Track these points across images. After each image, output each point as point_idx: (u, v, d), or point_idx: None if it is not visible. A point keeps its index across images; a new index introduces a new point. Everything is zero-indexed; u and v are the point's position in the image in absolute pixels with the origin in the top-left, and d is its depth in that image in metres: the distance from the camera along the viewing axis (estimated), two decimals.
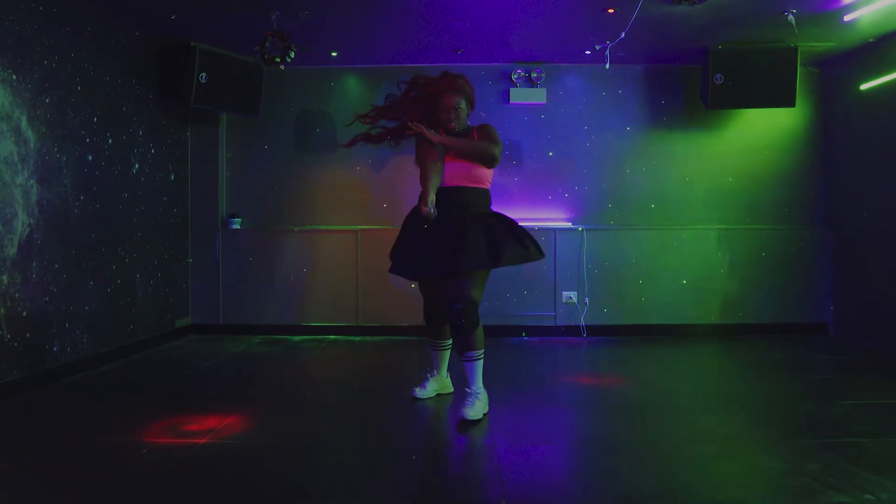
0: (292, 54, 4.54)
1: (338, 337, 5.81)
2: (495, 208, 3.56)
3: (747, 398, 3.78)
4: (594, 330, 5.80)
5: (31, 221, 3.83)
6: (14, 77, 3.69)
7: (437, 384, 3.67)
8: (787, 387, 4.00)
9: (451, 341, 3.62)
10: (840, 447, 2.81)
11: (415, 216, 3.48)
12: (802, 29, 4.86)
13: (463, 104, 3.47)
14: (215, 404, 3.58)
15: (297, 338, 5.76)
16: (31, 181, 3.84)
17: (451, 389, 3.74)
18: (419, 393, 3.60)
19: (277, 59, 4.54)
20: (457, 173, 3.39)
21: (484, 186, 3.46)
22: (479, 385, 3.31)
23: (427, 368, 3.77)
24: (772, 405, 3.61)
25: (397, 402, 3.60)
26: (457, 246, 3.21)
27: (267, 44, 4.55)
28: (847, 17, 4.53)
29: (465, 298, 3.22)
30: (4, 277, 3.61)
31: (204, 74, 5.24)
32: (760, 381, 4.18)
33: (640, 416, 3.39)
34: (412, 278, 3.58)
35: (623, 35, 4.89)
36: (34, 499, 2.35)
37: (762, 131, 5.95)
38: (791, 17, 4.58)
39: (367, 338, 5.76)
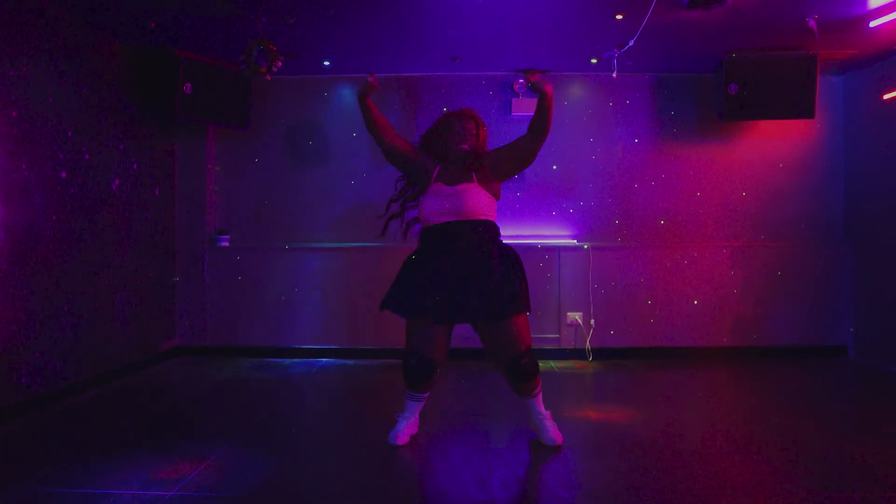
0: (279, 63, 4.26)
1: (330, 360, 5.52)
2: (498, 223, 3.39)
3: (767, 436, 3.46)
4: (600, 353, 5.51)
5: None
6: None
7: (409, 427, 3.37)
8: (809, 421, 3.69)
9: (427, 394, 3.36)
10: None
11: (430, 253, 3.22)
12: (824, 35, 4.57)
13: (476, 130, 3.34)
14: (192, 444, 3.29)
15: (287, 361, 5.47)
16: None
17: (417, 429, 3.45)
18: (400, 440, 3.28)
19: (263, 69, 4.26)
20: (474, 208, 3.19)
21: (478, 218, 3.23)
22: (543, 406, 3.34)
23: (402, 413, 3.39)
24: (795, 445, 3.30)
25: (386, 442, 3.30)
26: (503, 285, 3.10)
27: (252, 52, 4.28)
28: (873, 23, 4.24)
29: (530, 346, 3.20)
30: None
31: (189, 85, 4.98)
32: (780, 415, 3.87)
33: (651, 459, 3.09)
34: (443, 321, 3.18)
35: (632, 43, 4.61)
36: None
37: (778, 143, 5.66)
38: (812, 23, 4.29)
39: (361, 361, 5.47)
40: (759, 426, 3.65)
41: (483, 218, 3.21)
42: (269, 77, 4.34)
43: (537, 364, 3.24)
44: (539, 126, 3.24)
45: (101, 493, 2.65)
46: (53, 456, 3.13)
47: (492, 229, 3.24)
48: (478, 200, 3.19)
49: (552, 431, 3.26)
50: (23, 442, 3.37)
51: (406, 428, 3.33)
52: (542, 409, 3.34)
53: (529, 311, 3.24)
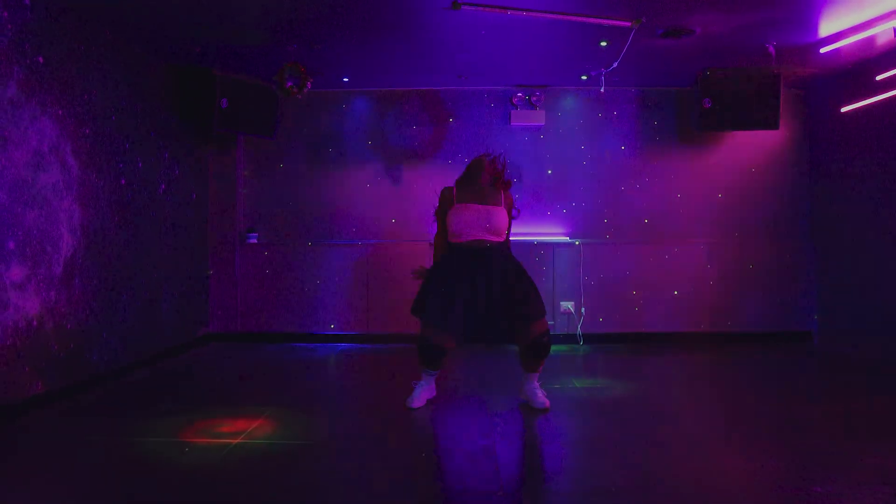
0: (309, 84, 4.90)
1: (349, 344, 6.17)
2: None
3: (734, 403, 4.12)
4: (590, 338, 6.16)
5: (74, 242, 4.22)
6: (60, 112, 4.08)
7: (426, 392, 4.02)
8: (774, 390, 4.36)
9: (437, 373, 4.02)
10: (805, 450, 3.18)
11: (460, 269, 3.88)
12: (783, 58, 5.21)
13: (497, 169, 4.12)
14: (242, 408, 3.95)
15: (311, 345, 6.13)
16: (74, 205, 4.22)
17: (435, 392, 4.10)
18: (416, 404, 3.94)
19: (295, 90, 4.90)
20: (476, 226, 3.91)
21: (502, 239, 3.97)
22: (538, 380, 4.00)
23: (418, 382, 4.03)
24: (751, 409, 3.96)
25: (404, 405, 3.96)
26: (526, 296, 3.84)
27: (285, 74, 4.92)
28: (823, 50, 4.87)
29: (548, 332, 3.89)
30: (52, 294, 4.00)
31: (225, 100, 5.61)
32: (748, 386, 4.53)
33: (628, 418, 3.75)
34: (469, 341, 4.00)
35: (616, 64, 5.26)
36: (87, 492, 2.72)
37: (750, 151, 6.31)
38: (771, 49, 4.93)
39: (377, 345, 6.12)
40: (727, 395, 4.32)
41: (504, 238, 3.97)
42: (300, 96, 4.98)
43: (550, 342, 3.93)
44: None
45: (178, 441, 3.31)
46: (132, 417, 3.79)
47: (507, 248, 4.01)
48: (503, 221, 3.93)
49: (541, 396, 3.91)
50: (102, 408, 4.04)
51: (422, 393, 3.99)
52: (537, 382, 3.99)
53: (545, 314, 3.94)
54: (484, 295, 3.77)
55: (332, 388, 4.71)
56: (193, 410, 3.90)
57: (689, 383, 4.81)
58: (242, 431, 3.46)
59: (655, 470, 2.95)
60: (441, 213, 4.05)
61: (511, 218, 4.09)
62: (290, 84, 4.91)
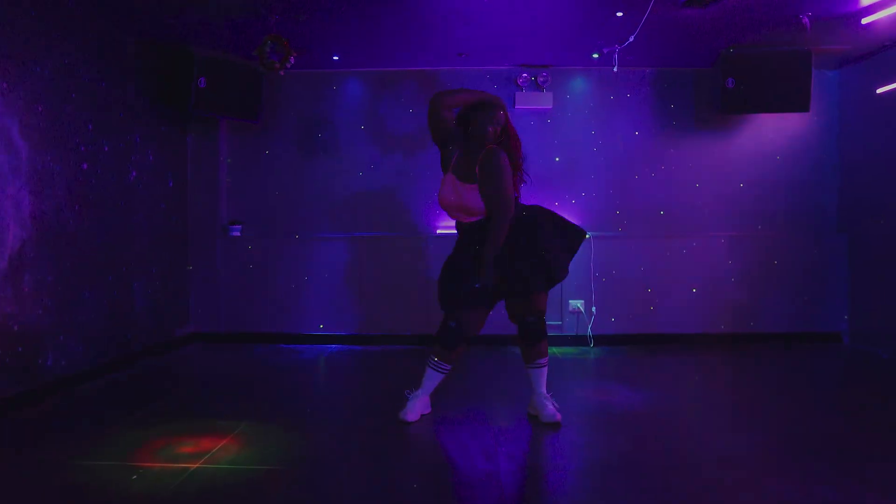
0: (292, 59, 4.42)
1: (339, 346, 5.70)
2: None
3: (760, 415, 3.64)
4: (601, 339, 5.68)
5: (24, 234, 3.74)
6: (5, 86, 3.59)
7: (421, 405, 3.54)
8: (799, 401, 3.87)
9: (451, 367, 3.52)
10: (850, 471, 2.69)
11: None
12: (818, 32, 4.72)
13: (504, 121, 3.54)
14: (211, 421, 3.48)
15: (298, 346, 5.66)
16: (23, 192, 3.74)
17: (430, 409, 3.62)
18: (411, 417, 3.46)
19: (276, 65, 4.43)
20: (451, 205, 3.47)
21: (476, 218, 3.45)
22: (545, 388, 3.53)
23: (415, 389, 3.54)
24: (783, 421, 3.48)
25: (397, 419, 3.48)
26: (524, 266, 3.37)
27: (265, 48, 4.44)
28: (865, 21, 4.39)
29: (538, 313, 3.46)
30: None
31: (203, 79, 5.14)
32: (774, 395, 4.04)
33: (648, 435, 3.27)
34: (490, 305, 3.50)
35: (632, 38, 4.76)
36: None
37: (774, 136, 5.82)
38: (806, 20, 4.44)
39: (369, 347, 5.65)
40: (752, 406, 3.84)
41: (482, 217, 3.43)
42: (282, 72, 4.50)
43: (544, 329, 3.47)
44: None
45: (130, 465, 2.83)
46: (83, 432, 3.32)
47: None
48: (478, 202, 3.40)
49: (551, 409, 3.44)
50: (52, 420, 3.56)
51: (417, 406, 3.50)
52: (545, 389, 3.52)
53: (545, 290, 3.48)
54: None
55: (316, 397, 4.22)
56: (154, 425, 3.42)
57: (712, 391, 4.32)
58: (206, 452, 2.99)
59: (683, 499, 2.47)
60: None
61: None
62: (272, 58, 4.42)
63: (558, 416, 3.42)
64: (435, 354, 3.48)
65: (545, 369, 3.52)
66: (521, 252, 3.40)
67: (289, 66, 4.46)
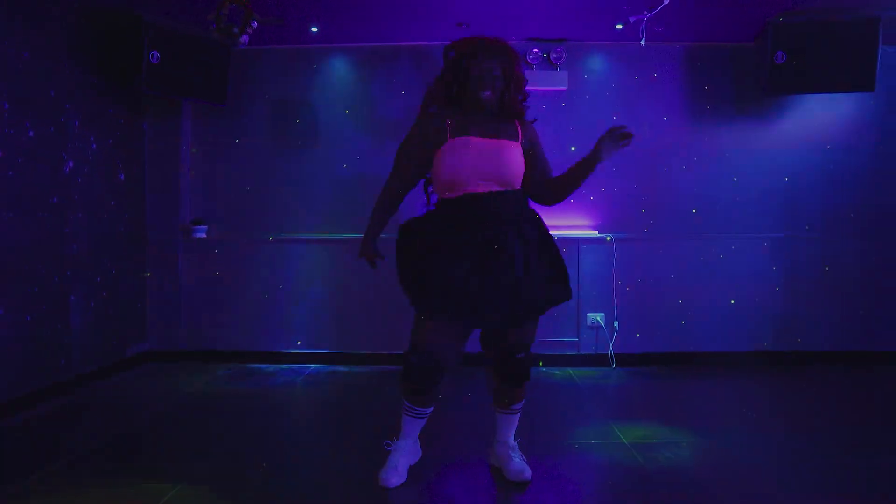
0: (254, 24, 3.62)
1: (319, 366, 4.89)
2: None
3: (834, 468, 2.83)
4: (625, 359, 4.87)
5: None
6: None
7: (409, 456, 2.74)
8: (871, 442, 3.06)
9: (431, 409, 2.71)
10: None
11: (443, 237, 2.60)
12: None
13: (506, 71, 2.65)
14: (133, 483, 2.68)
15: (270, 367, 4.85)
16: None
17: (420, 454, 2.82)
18: (394, 481, 2.62)
19: (236, 31, 3.62)
20: (485, 173, 2.56)
21: (517, 188, 2.65)
22: (514, 436, 2.83)
23: (395, 439, 2.73)
24: (861, 474, 2.67)
25: (377, 487, 2.68)
26: (521, 285, 2.50)
27: (223, 10, 3.64)
28: None
29: (528, 345, 2.67)
30: None
31: (156, 53, 4.34)
32: (842, 434, 3.23)
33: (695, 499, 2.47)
34: (475, 325, 2.59)
35: (667, 1, 3.96)
36: None
37: (826, 122, 4.98)
38: None
39: (353, 368, 4.85)
40: (827, 450, 3.02)
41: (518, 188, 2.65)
42: (241, 38, 3.70)
43: (531, 367, 2.70)
44: (556, 195, 2.72)
45: None
46: None
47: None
48: (519, 164, 2.61)
49: (519, 463, 2.71)
50: None
51: (402, 460, 2.70)
52: (513, 438, 2.81)
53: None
54: (495, 269, 2.50)
55: (282, 441, 3.39)
56: (73, 479, 2.62)
57: (768, 428, 3.48)
58: None
59: None
60: (414, 154, 2.68)
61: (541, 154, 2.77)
62: (230, 21, 3.62)
63: (527, 473, 2.68)
64: (405, 399, 2.68)
65: (519, 415, 2.81)
66: (537, 249, 2.60)
67: (250, 31, 3.66)
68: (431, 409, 2.71)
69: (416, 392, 2.62)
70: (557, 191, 2.71)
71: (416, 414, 2.68)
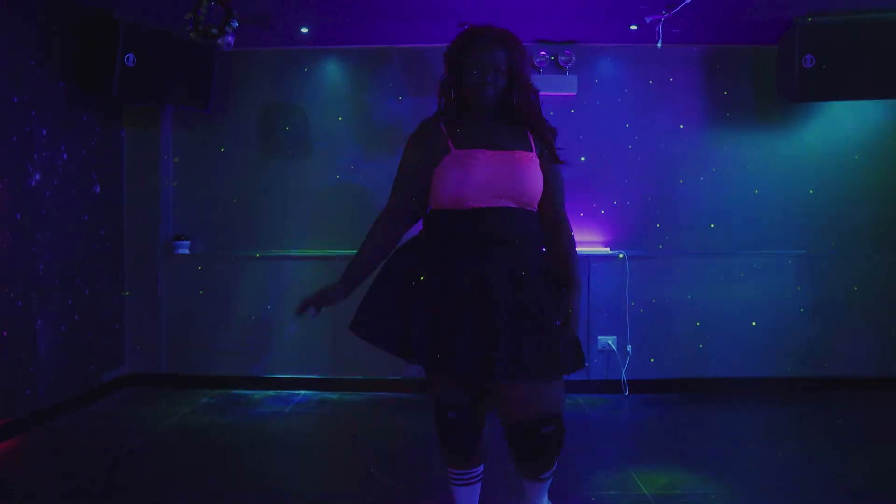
0: (233, 24, 3.29)
1: (309, 392, 4.57)
2: None
3: None
4: (639, 386, 4.54)
5: None
6: None
7: None
8: None
9: (482, 467, 2.30)
10: None
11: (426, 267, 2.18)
12: None
13: (505, 64, 2.13)
14: None
15: (257, 394, 4.53)
16: None
17: None
18: None
19: (214, 31, 3.29)
20: (494, 188, 2.10)
21: (534, 209, 2.20)
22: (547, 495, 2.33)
23: None
24: None
25: None
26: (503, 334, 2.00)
27: (202, 8, 3.31)
28: None
29: (558, 415, 2.08)
30: None
31: (131, 56, 4.01)
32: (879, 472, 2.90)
33: None
34: (458, 376, 2.09)
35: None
36: None
37: (854, 130, 4.65)
38: None
39: (346, 394, 4.52)
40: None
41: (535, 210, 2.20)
42: (226, 40, 3.38)
43: (564, 436, 2.11)
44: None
45: None
46: None
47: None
48: (536, 180, 2.16)
49: None
50: None
51: None
52: (547, 497, 2.31)
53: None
54: (499, 305, 2.02)
55: (269, 483, 3.03)
56: None
57: (807, 472, 3.14)
58: None
59: None
60: (411, 177, 2.24)
61: (553, 174, 2.23)
62: (209, 22, 3.29)
63: None
64: (449, 466, 2.28)
65: (551, 480, 2.27)
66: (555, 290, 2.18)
67: (230, 32, 3.33)
68: (481, 467, 2.28)
69: (457, 455, 2.22)
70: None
71: (466, 480, 2.26)
